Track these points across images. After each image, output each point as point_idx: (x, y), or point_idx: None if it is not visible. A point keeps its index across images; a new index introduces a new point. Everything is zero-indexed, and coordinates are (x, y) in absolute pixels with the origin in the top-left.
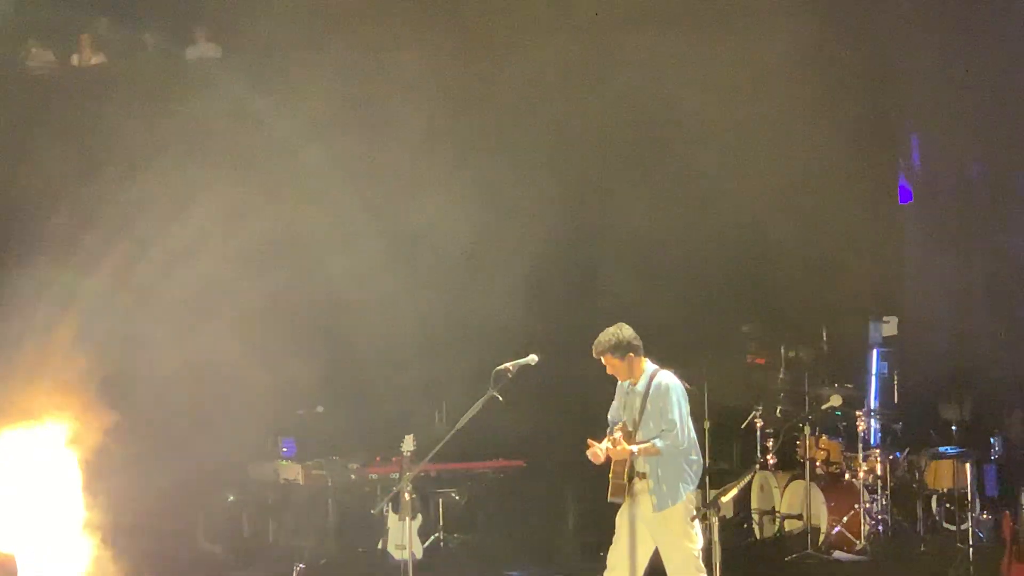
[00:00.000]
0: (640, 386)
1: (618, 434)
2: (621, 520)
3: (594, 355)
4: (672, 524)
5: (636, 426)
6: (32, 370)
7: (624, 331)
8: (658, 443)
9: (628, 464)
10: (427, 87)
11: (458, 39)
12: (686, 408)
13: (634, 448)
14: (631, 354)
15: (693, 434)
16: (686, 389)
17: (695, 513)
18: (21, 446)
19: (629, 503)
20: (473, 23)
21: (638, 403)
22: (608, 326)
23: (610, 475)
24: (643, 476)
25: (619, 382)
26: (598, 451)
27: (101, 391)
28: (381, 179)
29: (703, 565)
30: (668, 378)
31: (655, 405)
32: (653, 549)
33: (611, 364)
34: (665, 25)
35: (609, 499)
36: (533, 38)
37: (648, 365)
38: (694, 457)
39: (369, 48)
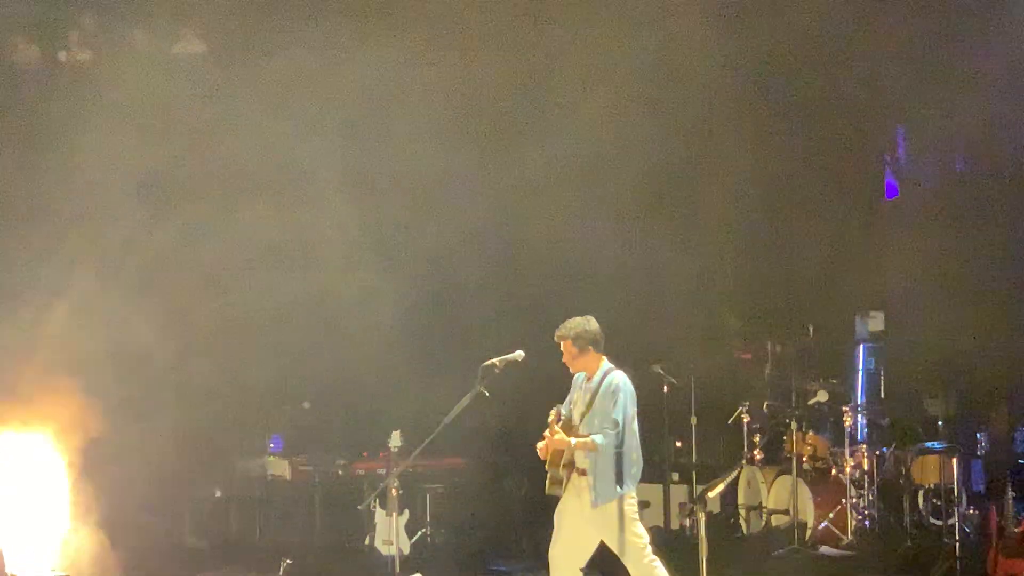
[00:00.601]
0: (593, 382)
1: (550, 417)
2: (559, 515)
3: (555, 337)
4: (612, 520)
5: (581, 420)
6: (19, 367)
7: (591, 324)
8: (597, 439)
9: (565, 456)
10: (410, 82)
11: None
12: (632, 411)
13: (572, 440)
14: (591, 347)
15: (636, 438)
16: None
17: (637, 513)
18: (7, 443)
19: (568, 498)
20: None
21: (587, 399)
22: (596, 319)
23: (547, 466)
24: (583, 472)
25: (575, 376)
26: (540, 445)
27: (88, 388)
28: (368, 176)
29: (654, 556)
30: (619, 378)
31: (602, 403)
32: (595, 544)
33: (567, 351)
34: (654, 18)
35: (547, 492)
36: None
37: (605, 364)
38: (635, 458)
39: (355, 45)
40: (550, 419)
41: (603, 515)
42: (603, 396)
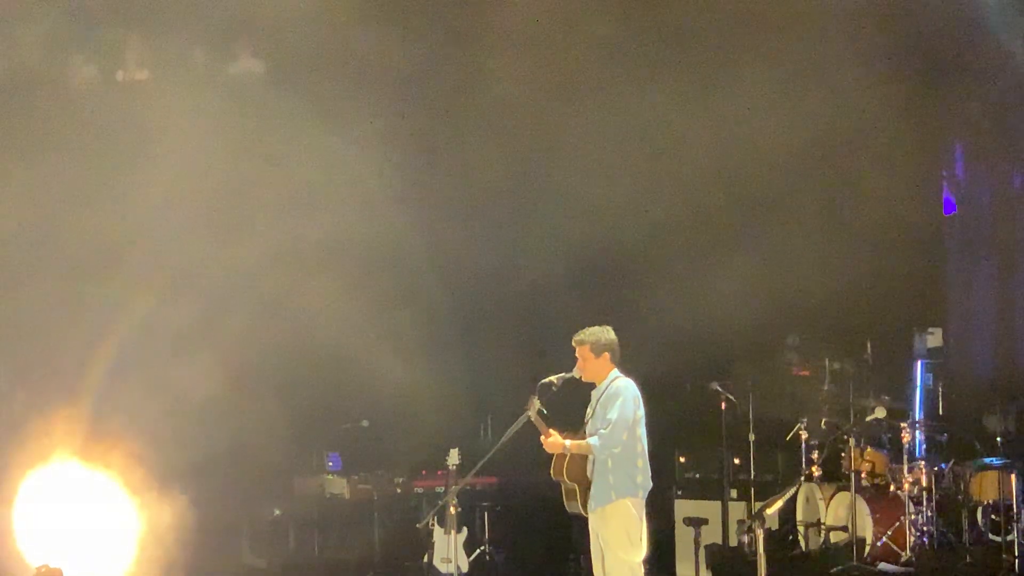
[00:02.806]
0: (599, 389)
1: (533, 412)
2: (591, 529)
3: (572, 342)
4: (603, 528)
5: (588, 427)
6: (74, 391)
7: (609, 334)
8: (592, 441)
9: (566, 463)
10: (467, 100)
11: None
12: (632, 415)
13: (567, 443)
14: (606, 354)
15: (640, 445)
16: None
17: (638, 531)
18: (68, 467)
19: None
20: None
21: (593, 405)
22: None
23: (552, 474)
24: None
25: (593, 391)
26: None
27: (148, 410)
28: (426, 193)
29: (640, 573)
30: (623, 383)
31: (604, 406)
32: None
33: (583, 357)
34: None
35: (567, 509)
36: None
37: (614, 372)
38: (640, 466)
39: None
40: (531, 415)
41: (599, 520)
42: (604, 400)
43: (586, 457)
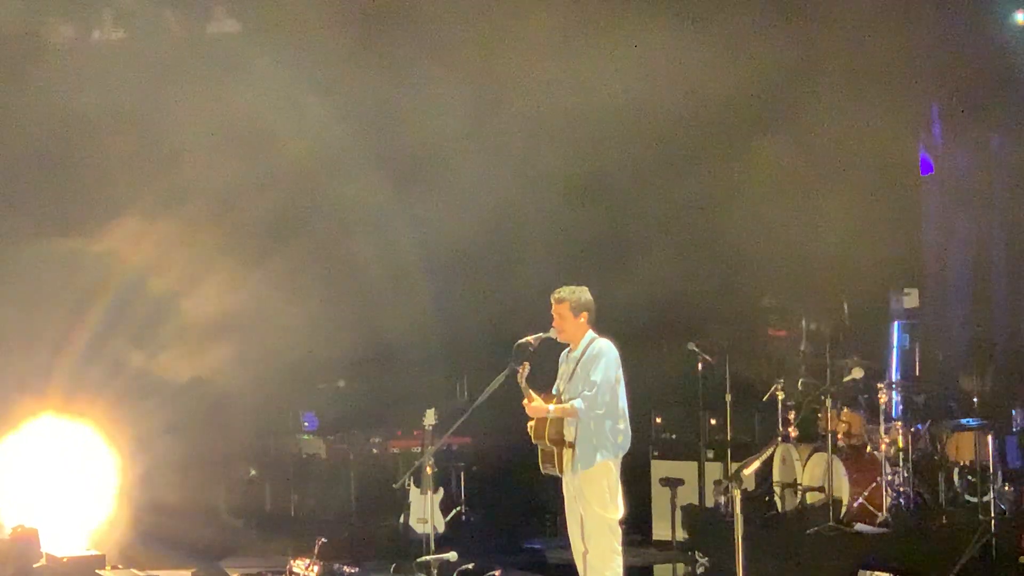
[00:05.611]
0: (576, 352)
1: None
2: (566, 491)
3: (552, 298)
4: (588, 488)
5: (565, 390)
6: (54, 349)
7: (587, 294)
8: (576, 403)
9: (551, 430)
10: (442, 58)
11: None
12: (615, 375)
13: (550, 407)
14: (585, 314)
15: (622, 403)
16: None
17: (619, 490)
18: (44, 425)
19: (565, 474)
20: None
21: (571, 368)
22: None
23: (533, 438)
24: (571, 445)
25: (562, 354)
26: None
27: (123, 369)
28: (403, 151)
29: (619, 532)
30: (603, 344)
31: (584, 368)
32: None
33: (561, 315)
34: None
35: (542, 471)
36: None
37: (590, 333)
38: (621, 427)
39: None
40: (521, 382)
41: (581, 483)
42: (586, 362)
43: (563, 420)
